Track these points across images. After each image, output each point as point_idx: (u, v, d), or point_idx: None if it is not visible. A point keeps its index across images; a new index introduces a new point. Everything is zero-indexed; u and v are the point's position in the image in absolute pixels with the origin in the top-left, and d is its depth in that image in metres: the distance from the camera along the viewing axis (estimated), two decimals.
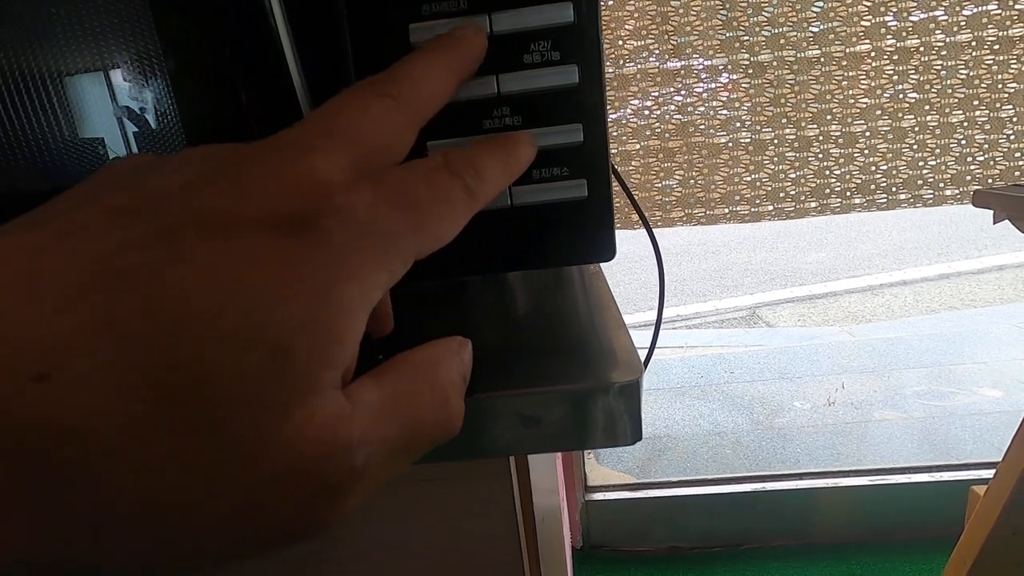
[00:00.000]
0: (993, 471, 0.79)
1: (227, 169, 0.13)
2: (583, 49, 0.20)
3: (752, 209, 0.94)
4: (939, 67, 0.86)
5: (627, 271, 3.34)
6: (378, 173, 0.14)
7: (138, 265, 0.11)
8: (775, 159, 0.91)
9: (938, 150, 0.90)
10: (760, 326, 2.69)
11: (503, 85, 0.21)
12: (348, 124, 0.14)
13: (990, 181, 0.90)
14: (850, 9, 0.85)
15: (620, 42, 0.89)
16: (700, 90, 0.89)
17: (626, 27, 0.88)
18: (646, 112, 0.91)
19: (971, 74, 0.86)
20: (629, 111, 0.91)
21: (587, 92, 0.21)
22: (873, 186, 0.92)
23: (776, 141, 0.90)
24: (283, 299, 0.11)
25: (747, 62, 0.88)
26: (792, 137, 0.90)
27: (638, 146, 0.93)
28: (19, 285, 0.11)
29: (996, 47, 0.85)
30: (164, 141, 0.24)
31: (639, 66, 0.89)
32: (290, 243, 0.12)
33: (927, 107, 0.88)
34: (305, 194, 0.12)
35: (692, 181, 0.92)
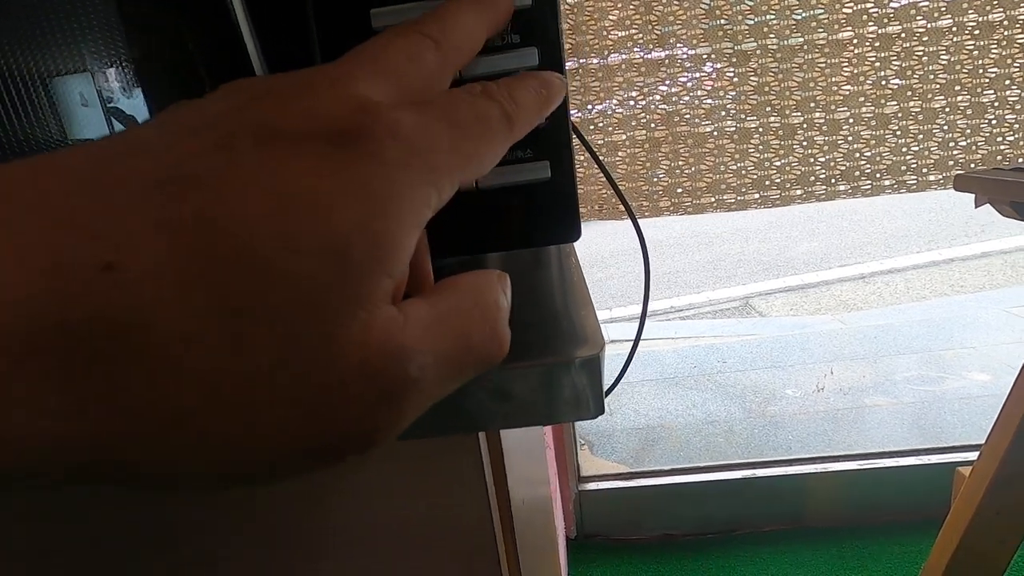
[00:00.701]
0: (978, 453, 0.80)
1: (280, 89, 0.13)
2: (542, 31, 0.21)
3: (738, 197, 0.95)
4: (920, 53, 0.87)
5: (619, 264, 3.35)
6: (421, 99, 0.14)
7: (198, 171, 0.11)
8: (760, 147, 0.92)
9: (921, 136, 0.90)
10: (753, 316, 2.70)
11: (465, 69, 0.21)
12: (392, 59, 0.15)
13: (972, 166, 0.91)
14: None
15: (604, 32, 0.89)
16: (685, 79, 0.90)
17: (610, 17, 0.89)
18: (631, 102, 0.92)
19: (952, 60, 0.87)
20: (615, 101, 0.92)
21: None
22: (857, 172, 0.92)
23: (761, 129, 0.91)
24: (338, 206, 0.12)
25: (730, 51, 0.89)
26: (777, 125, 0.91)
27: (624, 136, 0.94)
28: (88, 187, 0.11)
29: (976, 32, 0.85)
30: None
31: (624, 56, 0.90)
32: (343, 154, 0.12)
33: (909, 93, 0.88)
34: (355, 111, 0.13)
35: (678, 170, 0.93)
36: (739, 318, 2.70)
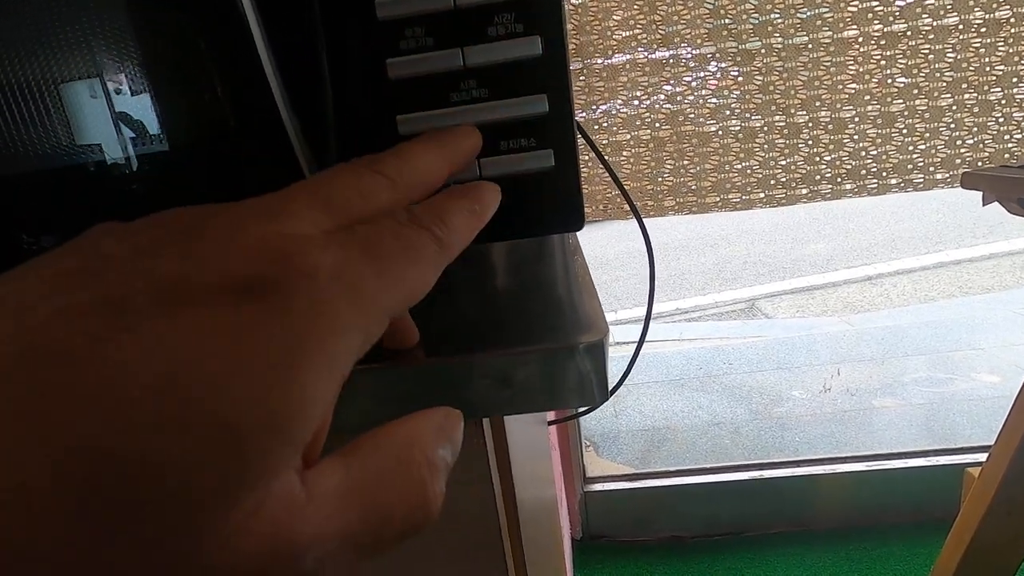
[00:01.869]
0: (987, 454, 0.80)
1: (191, 230, 0.12)
2: (545, 19, 0.21)
3: (743, 197, 0.94)
4: (927, 51, 0.87)
5: (625, 266, 3.35)
6: (345, 231, 0.13)
7: (76, 335, 0.10)
8: (765, 146, 0.91)
9: (927, 134, 0.90)
10: (759, 318, 2.69)
11: (469, 58, 0.21)
12: (335, 192, 0.14)
13: (979, 164, 0.90)
14: None
15: (608, 32, 0.89)
16: (689, 79, 0.90)
17: (614, 17, 0.89)
18: (636, 102, 0.92)
19: (959, 57, 0.86)
20: (619, 102, 0.92)
21: (551, 63, 0.21)
22: (863, 171, 0.92)
23: (766, 128, 0.91)
24: (236, 372, 0.10)
25: (735, 50, 0.89)
26: (782, 124, 0.91)
27: (628, 136, 0.94)
28: None
29: (983, 29, 0.85)
30: (160, 146, 0.24)
31: (628, 56, 0.90)
32: (249, 310, 0.11)
33: (915, 91, 0.88)
34: (267, 255, 0.12)
35: (683, 170, 0.93)
36: (745, 320, 2.69)
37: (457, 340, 0.21)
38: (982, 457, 0.82)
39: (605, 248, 3.59)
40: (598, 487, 1.24)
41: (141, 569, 0.09)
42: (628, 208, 0.95)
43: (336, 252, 0.12)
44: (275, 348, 0.11)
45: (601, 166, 0.74)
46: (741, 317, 2.73)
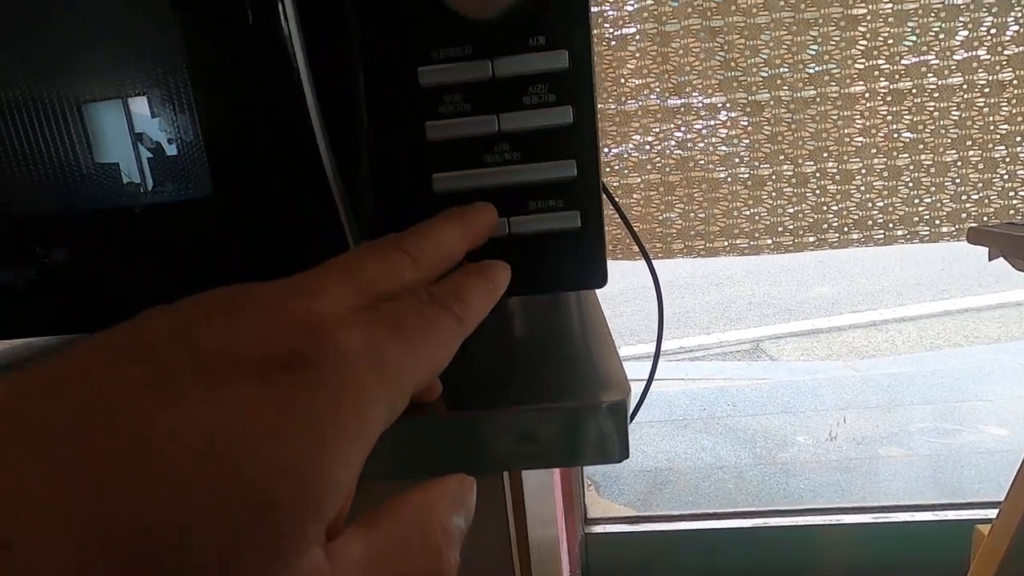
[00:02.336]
0: (997, 510, 0.78)
1: (228, 307, 0.13)
2: (577, 91, 0.22)
3: (751, 242, 0.96)
4: (932, 108, 0.89)
5: (629, 302, 3.35)
6: (371, 309, 0.14)
7: (125, 408, 0.10)
8: (773, 194, 0.93)
9: (933, 188, 0.91)
10: (764, 359, 2.67)
11: (503, 123, 0.22)
12: (363, 271, 0.15)
13: (985, 219, 0.92)
14: (844, 52, 0.88)
15: (622, 80, 0.92)
16: (699, 127, 0.92)
17: (628, 66, 0.92)
18: (647, 147, 0.94)
19: (963, 116, 0.89)
20: (631, 146, 0.94)
21: (581, 130, 0.23)
22: (870, 222, 0.93)
23: (774, 177, 0.93)
24: (272, 446, 0.11)
25: (745, 100, 0.91)
26: (790, 173, 0.93)
27: (639, 180, 0.96)
28: (1, 433, 0.10)
29: (987, 90, 0.87)
30: (178, 166, 0.25)
31: (640, 103, 0.93)
32: (284, 384, 0.11)
33: (921, 146, 0.90)
34: (300, 331, 0.12)
35: (692, 214, 0.94)
36: (749, 361, 2.67)
37: (478, 392, 0.22)
38: (991, 513, 0.81)
39: (609, 284, 3.59)
40: (599, 528, 1.22)
41: None
42: (636, 249, 0.97)
43: (364, 330, 0.13)
44: (310, 422, 0.11)
45: (611, 207, 0.75)
46: (745, 358, 2.72)
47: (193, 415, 0.11)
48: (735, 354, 2.77)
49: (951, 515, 1.13)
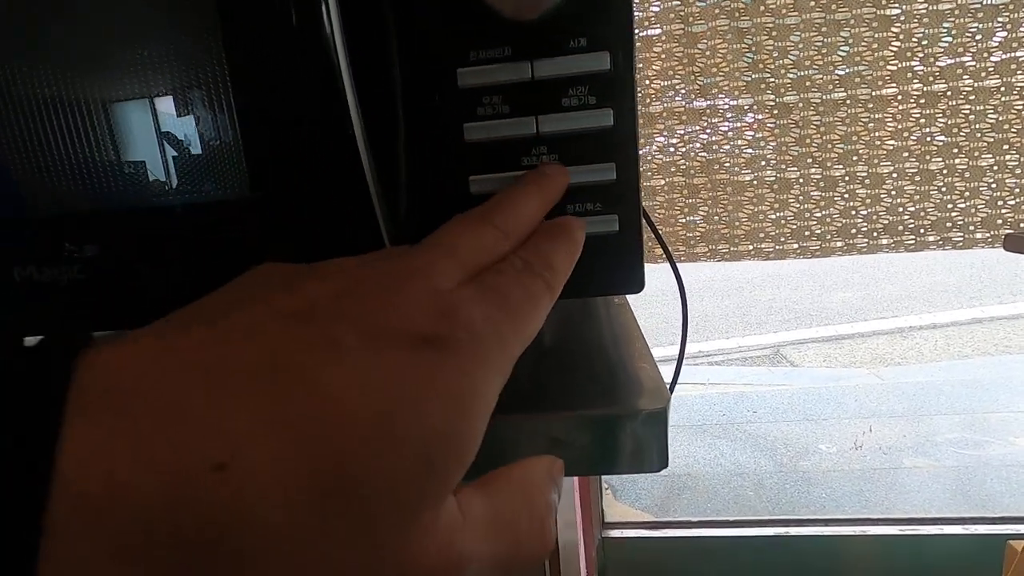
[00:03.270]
0: None
1: (374, 281, 0.14)
2: (618, 94, 0.22)
3: (777, 247, 0.94)
4: (967, 111, 0.87)
5: (648, 305, 3.32)
6: (479, 282, 0.16)
7: (306, 365, 0.12)
8: (800, 198, 0.91)
9: (967, 193, 0.89)
10: (784, 365, 2.63)
11: (542, 126, 0.22)
12: (464, 249, 0.16)
13: (1022, 225, 0.89)
14: (876, 53, 0.86)
15: (647, 81, 0.91)
16: (725, 128, 0.91)
17: (653, 68, 0.91)
18: (671, 149, 0.93)
19: (1000, 119, 0.86)
20: (655, 148, 0.93)
21: (621, 134, 0.22)
22: (901, 227, 0.91)
23: (802, 180, 0.91)
24: (430, 409, 0.12)
25: (772, 103, 0.90)
26: (818, 176, 0.91)
27: (663, 182, 0.95)
28: (204, 376, 0.11)
29: None
30: (203, 166, 0.26)
31: (665, 105, 0.92)
32: (432, 354, 0.13)
33: (955, 150, 0.87)
34: (441, 312, 0.14)
35: (716, 217, 0.93)
36: (770, 366, 2.63)
37: (516, 397, 0.21)
38: None
39: None
40: (616, 533, 1.21)
41: (349, 555, 0.11)
42: (658, 252, 0.96)
43: (483, 308, 0.15)
44: (452, 391, 0.13)
45: None
46: (766, 363, 2.68)
47: (362, 376, 0.12)
48: (755, 359, 2.73)
49: (982, 529, 1.10)
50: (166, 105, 0.25)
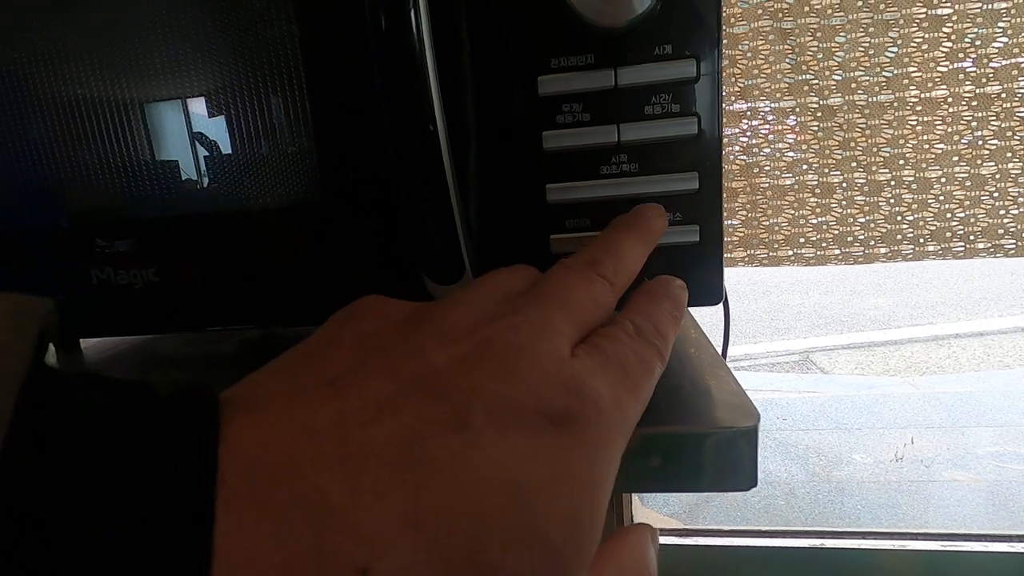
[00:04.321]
0: None
1: (500, 348, 0.14)
2: (703, 102, 0.21)
3: (818, 252, 0.92)
4: (1022, 114, 0.83)
5: None
6: (598, 350, 0.15)
7: (437, 455, 0.11)
8: (843, 203, 0.89)
9: (1022, 199, 0.86)
10: (814, 372, 2.58)
11: (624, 134, 0.22)
12: (576, 304, 0.16)
13: None
14: (926, 55, 0.83)
15: None
16: (766, 131, 0.89)
17: None
18: None
19: None
20: None
21: (704, 142, 0.22)
22: (949, 234, 0.88)
23: (844, 185, 0.89)
24: (556, 496, 0.12)
25: (816, 105, 0.88)
26: (862, 181, 0.89)
27: None
28: (343, 467, 0.11)
29: None
30: (234, 167, 0.26)
31: None
32: (558, 435, 0.13)
33: (1009, 154, 0.84)
34: (565, 385, 0.13)
35: (755, 221, 0.91)
36: (799, 373, 2.58)
37: None
38: None
39: None
40: None
41: None
42: None
43: (606, 381, 0.14)
44: (579, 476, 0.13)
45: None
46: (794, 370, 2.62)
47: (495, 462, 0.12)
48: (783, 365, 2.68)
49: None
50: (244, 110, 0.25)
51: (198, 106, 0.25)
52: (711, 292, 0.23)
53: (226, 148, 0.26)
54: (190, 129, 0.26)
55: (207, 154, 0.26)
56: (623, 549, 0.16)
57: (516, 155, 0.23)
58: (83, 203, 0.27)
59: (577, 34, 0.21)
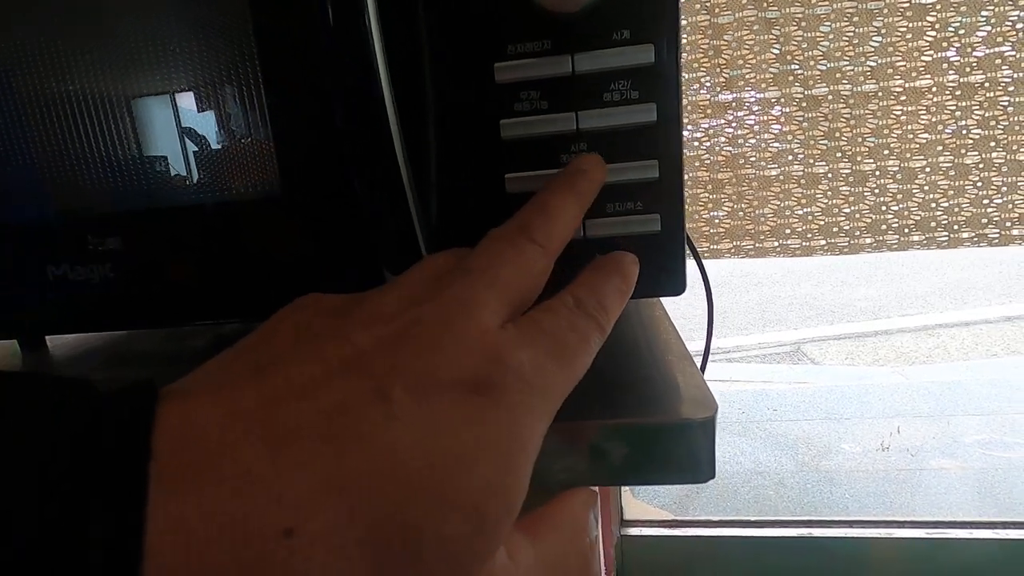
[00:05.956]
0: None
1: (422, 328, 0.14)
2: (662, 89, 0.21)
3: (803, 243, 0.92)
4: (1006, 103, 0.84)
5: (667, 301, 3.29)
6: (531, 322, 0.15)
7: (360, 425, 0.12)
8: (828, 193, 0.89)
9: (1005, 188, 0.86)
10: (805, 363, 2.59)
11: (582, 122, 0.21)
12: (505, 274, 0.16)
13: None
14: (910, 44, 0.83)
15: None
16: (751, 122, 0.89)
17: None
18: (695, 143, 0.91)
19: None
20: None
21: (664, 130, 0.21)
22: (933, 223, 0.89)
23: (830, 175, 0.89)
24: (478, 461, 0.12)
25: (801, 95, 0.88)
26: (847, 171, 0.88)
27: (686, 177, 0.93)
28: (267, 443, 0.11)
29: None
30: (223, 160, 0.25)
31: (689, 98, 0.90)
32: (479, 402, 0.13)
33: (992, 144, 0.84)
34: (485, 355, 0.14)
35: (741, 213, 0.91)
36: (790, 364, 2.59)
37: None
38: None
39: None
40: (635, 531, 1.20)
41: None
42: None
43: (530, 350, 0.14)
44: (500, 441, 0.13)
45: None
46: (785, 361, 2.64)
47: (414, 431, 0.12)
48: (774, 356, 2.70)
49: (1013, 534, 1.07)
50: (188, 102, 0.25)
51: (152, 100, 0.25)
52: (674, 282, 0.23)
53: (180, 144, 0.25)
54: (135, 126, 0.25)
55: (152, 146, 0.25)
56: (561, 512, 0.16)
57: (474, 144, 0.22)
58: (34, 199, 0.27)
59: (534, 19, 0.21)
